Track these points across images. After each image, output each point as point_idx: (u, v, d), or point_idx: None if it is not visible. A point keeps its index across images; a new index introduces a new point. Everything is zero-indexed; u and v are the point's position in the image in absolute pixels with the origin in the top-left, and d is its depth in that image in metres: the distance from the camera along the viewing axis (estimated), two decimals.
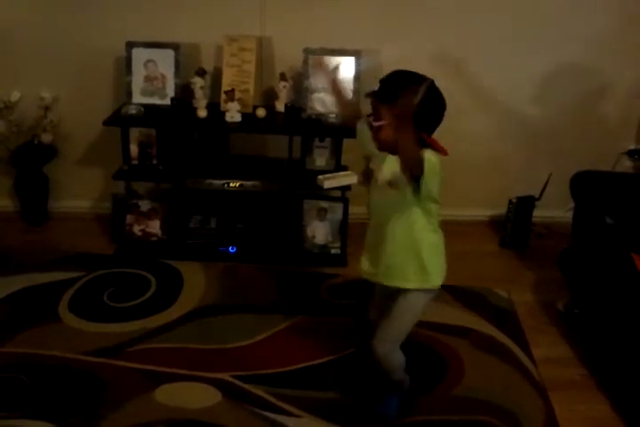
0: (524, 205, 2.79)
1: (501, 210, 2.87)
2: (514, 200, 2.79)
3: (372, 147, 1.66)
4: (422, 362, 2.04)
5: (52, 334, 2.09)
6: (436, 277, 1.67)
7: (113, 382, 1.89)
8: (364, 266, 1.74)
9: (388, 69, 2.87)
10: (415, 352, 2.08)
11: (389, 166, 1.60)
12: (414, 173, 1.49)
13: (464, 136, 2.85)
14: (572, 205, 2.31)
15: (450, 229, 2.87)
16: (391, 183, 1.59)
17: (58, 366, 1.95)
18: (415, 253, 1.63)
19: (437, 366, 2.03)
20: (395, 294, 1.68)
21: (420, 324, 2.21)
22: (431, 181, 1.51)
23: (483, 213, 3.02)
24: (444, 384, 1.96)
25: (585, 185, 2.22)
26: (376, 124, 1.56)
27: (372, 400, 1.84)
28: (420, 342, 2.13)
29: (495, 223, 2.97)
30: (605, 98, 2.82)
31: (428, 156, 1.50)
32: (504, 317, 2.31)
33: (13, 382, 1.88)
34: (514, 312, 2.34)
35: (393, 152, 1.58)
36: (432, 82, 1.55)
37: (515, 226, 2.80)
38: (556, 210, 2.82)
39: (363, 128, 1.69)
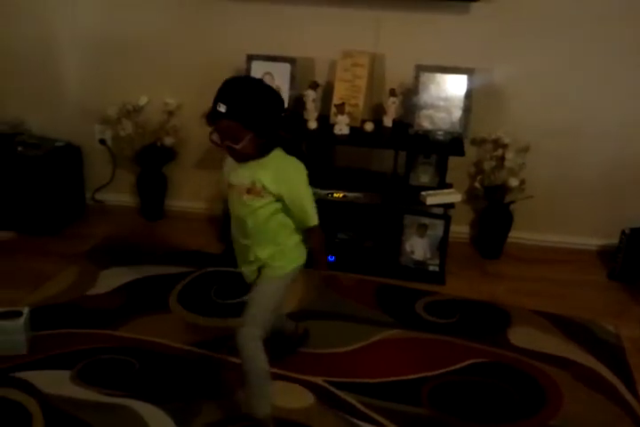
0: (637, 237, 2.65)
1: (613, 240, 2.74)
2: (627, 231, 2.66)
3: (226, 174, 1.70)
4: (521, 390, 1.99)
5: (162, 323, 2.23)
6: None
7: (213, 374, 1.99)
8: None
9: (499, 88, 2.81)
10: (515, 380, 2.03)
11: (245, 174, 1.63)
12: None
13: (580, 161, 2.77)
14: None
15: (557, 256, 2.83)
16: (250, 191, 1.63)
17: (165, 354, 2.08)
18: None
19: (536, 396, 1.97)
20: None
21: (522, 352, 2.15)
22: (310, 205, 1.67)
23: (593, 242, 2.89)
24: (542, 414, 1.89)
25: None
26: (238, 146, 1.55)
27: None
28: (521, 370, 2.07)
29: (605, 254, 2.83)
30: None
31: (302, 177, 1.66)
32: (609, 351, 2.20)
33: (124, 365, 2.02)
34: (621, 347, 2.22)
35: (249, 159, 1.61)
36: (262, 81, 1.61)
37: (626, 258, 2.66)
38: None
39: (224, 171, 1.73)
